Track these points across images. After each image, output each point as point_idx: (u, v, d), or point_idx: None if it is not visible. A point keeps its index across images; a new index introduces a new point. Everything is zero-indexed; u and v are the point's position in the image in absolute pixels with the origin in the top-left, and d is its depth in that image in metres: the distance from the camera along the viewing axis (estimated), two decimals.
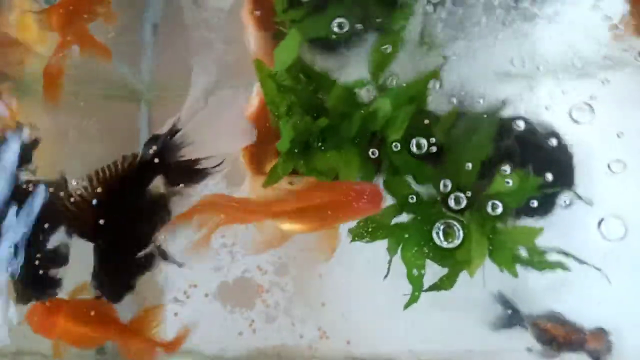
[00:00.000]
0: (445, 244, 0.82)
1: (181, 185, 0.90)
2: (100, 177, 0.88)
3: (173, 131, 0.90)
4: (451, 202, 0.84)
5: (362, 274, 0.91)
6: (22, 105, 1.02)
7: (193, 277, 0.95)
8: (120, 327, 0.87)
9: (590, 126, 0.85)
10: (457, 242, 0.82)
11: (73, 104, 1.05)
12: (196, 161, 0.90)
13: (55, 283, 0.92)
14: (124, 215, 0.90)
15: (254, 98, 0.94)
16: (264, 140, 0.91)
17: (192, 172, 0.90)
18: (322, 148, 0.85)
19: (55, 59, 0.91)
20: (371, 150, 0.86)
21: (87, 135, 1.04)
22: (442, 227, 0.83)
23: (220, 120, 0.95)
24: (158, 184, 0.90)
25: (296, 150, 0.84)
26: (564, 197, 0.84)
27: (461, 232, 0.82)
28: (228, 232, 0.94)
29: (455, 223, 0.83)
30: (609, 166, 0.84)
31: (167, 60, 1.11)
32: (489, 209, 0.82)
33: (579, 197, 0.83)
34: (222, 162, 0.90)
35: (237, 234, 0.95)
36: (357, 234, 0.85)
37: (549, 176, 0.83)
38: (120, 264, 0.90)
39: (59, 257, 0.93)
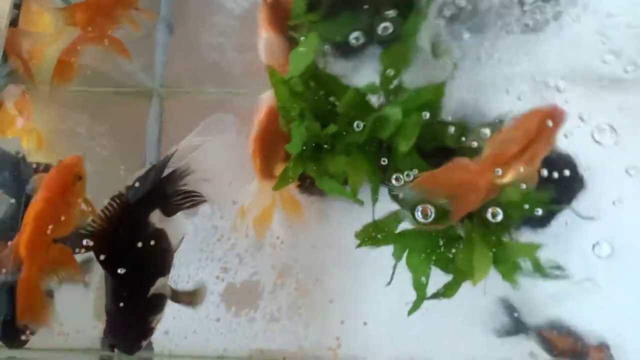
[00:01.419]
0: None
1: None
2: (101, 217, 0.84)
3: (162, 166, 0.89)
4: None
5: (366, 279, 0.91)
6: (33, 103, 1.04)
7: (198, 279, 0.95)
8: None
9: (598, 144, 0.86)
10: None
11: (83, 100, 1.06)
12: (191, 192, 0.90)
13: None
14: (128, 254, 0.85)
15: (264, 101, 0.95)
16: (273, 144, 0.92)
17: (187, 201, 0.90)
18: (332, 152, 0.86)
19: (72, 48, 0.93)
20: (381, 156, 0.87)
21: (97, 132, 1.05)
22: None
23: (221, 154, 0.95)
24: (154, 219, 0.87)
25: (307, 154, 0.85)
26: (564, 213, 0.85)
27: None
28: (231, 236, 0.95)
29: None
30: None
31: (179, 58, 1.13)
32: (491, 218, 0.83)
33: (580, 216, 0.84)
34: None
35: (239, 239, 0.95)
36: (363, 240, 0.86)
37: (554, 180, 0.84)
38: (132, 308, 0.85)
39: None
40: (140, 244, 0.84)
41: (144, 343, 0.86)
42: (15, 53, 0.99)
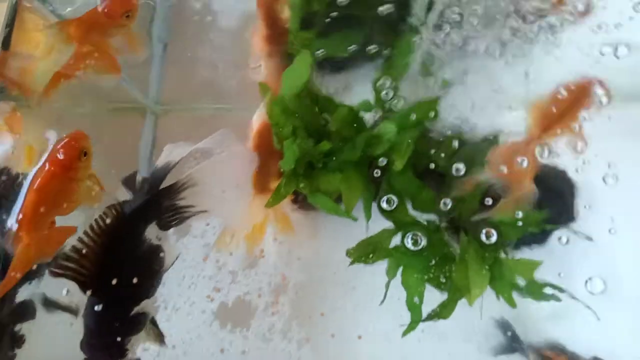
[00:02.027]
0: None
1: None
2: (94, 229, 0.81)
3: (158, 177, 0.87)
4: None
5: (361, 298, 0.90)
6: (26, 120, 1.03)
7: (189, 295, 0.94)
8: None
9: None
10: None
11: (77, 117, 1.05)
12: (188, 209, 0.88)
13: (18, 340, 0.89)
14: (118, 268, 0.83)
15: (258, 118, 0.95)
16: (267, 160, 0.92)
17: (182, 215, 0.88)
18: (325, 169, 0.85)
19: (68, 67, 0.93)
20: (374, 172, 0.87)
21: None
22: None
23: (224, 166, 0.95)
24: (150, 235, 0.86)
25: (300, 170, 0.85)
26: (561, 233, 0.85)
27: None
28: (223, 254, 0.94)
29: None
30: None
31: (173, 75, 1.13)
32: (485, 238, 0.83)
33: (578, 234, 0.84)
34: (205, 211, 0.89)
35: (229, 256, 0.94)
36: (356, 257, 0.85)
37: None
38: (114, 323, 0.82)
39: (27, 311, 0.90)
40: (132, 260, 0.83)
41: None
42: (5, 75, 0.99)
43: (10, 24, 1.05)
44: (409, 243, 0.83)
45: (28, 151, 0.97)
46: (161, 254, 0.85)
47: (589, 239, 0.83)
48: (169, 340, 0.91)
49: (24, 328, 0.92)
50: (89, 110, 1.05)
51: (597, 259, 0.83)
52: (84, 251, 0.79)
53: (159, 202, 0.86)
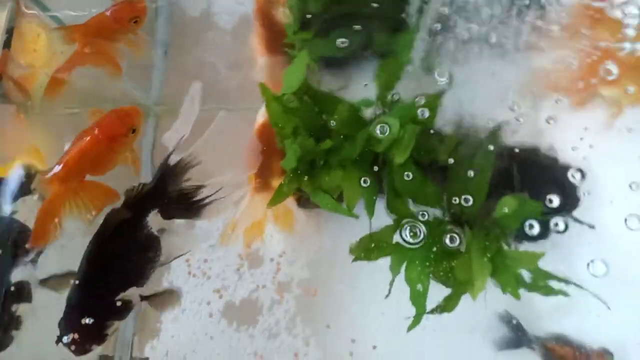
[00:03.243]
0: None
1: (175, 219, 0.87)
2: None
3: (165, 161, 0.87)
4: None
5: (365, 294, 0.90)
6: (28, 124, 1.04)
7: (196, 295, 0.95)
8: None
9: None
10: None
11: (80, 120, 1.06)
12: (195, 191, 0.87)
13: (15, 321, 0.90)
14: (114, 251, 0.82)
15: (260, 118, 0.96)
16: (269, 158, 0.92)
17: (189, 205, 0.87)
18: (327, 167, 0.86)
19: (67, 66, 0.94)
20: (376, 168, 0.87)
21: None
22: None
23: (225, 145, 0.95)
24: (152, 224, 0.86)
25: (301, 169, 0.85)
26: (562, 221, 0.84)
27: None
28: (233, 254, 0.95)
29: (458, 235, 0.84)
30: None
31: (175, 76, 1.13)
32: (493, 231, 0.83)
33: (580, 222, 0.84)
34: (220, 189, 0.88)
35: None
36: (358, 254, 0.86)
37: (552, 198, 0.84)
38: (95, 306, 0.80)
39: (23, 293, 0.92)
40: (128, 245, 0.82)
41: (93, 347, 0.79)
42: (8, 75, 0.99)
43: (9, 30, 1.06)
44: (407, 236, 0.83)
45: (33, 153, 0.98)
46: (158, 245, 0.84)
47: (591, 226, 0.83)
48: (177, 341, 0.92)
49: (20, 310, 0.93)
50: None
51: (598, 244, 0.83)
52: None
53: (164, 185, 0.86)
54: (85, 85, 1.05)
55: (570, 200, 0.85)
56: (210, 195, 0.88)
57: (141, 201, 0.83)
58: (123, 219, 0.82)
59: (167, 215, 0.86)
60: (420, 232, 0.84)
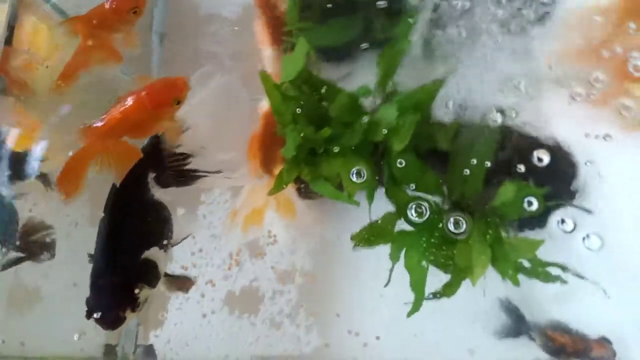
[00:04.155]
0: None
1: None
2: None
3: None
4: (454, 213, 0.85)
5: (367, 281, 0.91)
6: (29, 116, 1.05)
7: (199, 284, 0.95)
8: None
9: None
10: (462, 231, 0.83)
11: (79, 109, 1.07)
12: (186, 158, 0.88)
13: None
14: (128, 213, 0.83)
15: (262, 105, 0.96)
16: (272, 146, 0.93)
17: (180, 172, 0.88)
18: (327, 155, 0.86)
19: (75, 60, 0.95)
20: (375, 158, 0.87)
21: None
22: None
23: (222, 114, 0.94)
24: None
25: (301, 157, 0.86)
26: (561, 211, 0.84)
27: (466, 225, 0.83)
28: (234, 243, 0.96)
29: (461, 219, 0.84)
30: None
31: (175, 67, 1.14)
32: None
33: (578, 208, 0.84)
34: (219, 171, 0.89)
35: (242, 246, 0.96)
36: (359, 241, 0.86)
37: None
38: (120, 269, 0.79)
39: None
40: (140, 206, 0.83)
41: (128, 316, 0.77)
42: (6, 72, 1.01)
43: (12, 23, 1.07)
44: (413, 215, 0.83)
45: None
46: (167, 209, 0.85)
47: (589, 211, 0.83)
48: (180, 328, 0.93)
49: None
50: (89, 102, 1.06)
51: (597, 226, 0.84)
52: None
53: (157, 148, 0.86)
54: (88, 75, 1.06)
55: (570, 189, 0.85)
56: (208, 172, 0.89)
57: (140, 162, 0.84)
58: (126, 182, 0.82)
59: (164, 183, 0.86)
60: (425, 210, 0.84)
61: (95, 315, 0.77)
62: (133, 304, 0.77)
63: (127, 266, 0.79)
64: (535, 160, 0.86)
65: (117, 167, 0.84)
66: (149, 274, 0.80)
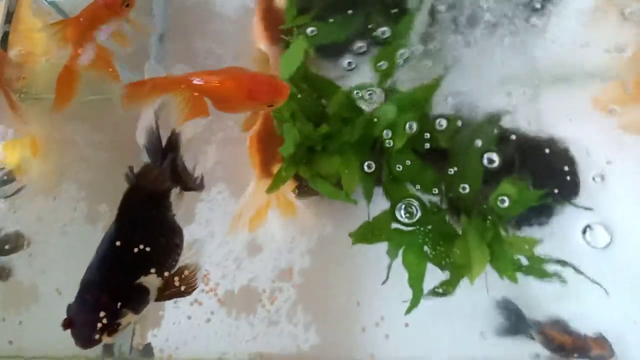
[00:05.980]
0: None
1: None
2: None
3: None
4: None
5: (366, 279, 0.91)
6: (29, 114, 1.05)
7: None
8: None
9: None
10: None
11: (79, 107, 1.06)
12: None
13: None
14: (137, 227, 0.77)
15: None
16: (271, 145, 0.93)
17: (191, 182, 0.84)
18: (325, 153, 0.86)
19: (68, 69, 0.93)
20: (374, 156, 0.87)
21: (93, 140, 1.05)
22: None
23: None
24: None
25: (300, 155, 0.85)
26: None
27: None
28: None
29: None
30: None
31: (174, 65, 1.13)
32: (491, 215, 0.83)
33: (577, 206, 0.84)
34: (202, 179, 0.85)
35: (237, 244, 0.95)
36: (357, 238, 0.86)
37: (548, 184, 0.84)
38: (110, 287, 0.72)
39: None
40: (155, 223, 0.77)
41: (101, 338, 0.70)
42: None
43: (7, 21, 1.07)
44: (402, 217, 0.83)
45: (31, 142, 0.99)
46: (182, 236, 0.79)
47: (589, 209, 0.83)
48: (177, 327, 0.92)
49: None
50: (89, 100, 1.06)
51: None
52: None
53: (175, 165, 0.81)
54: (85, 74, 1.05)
55: (570, 186, 0.85)
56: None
57: (163, 179, 0.79)
58: (146, 200, 0.78)
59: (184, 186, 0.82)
60: (416, 210, 0.83)
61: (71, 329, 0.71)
62: (113, 328, 0.71)
63: (120, 287, 0.73)
64: (534, 158, 0.86)
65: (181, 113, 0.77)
66: (139, 300, 0.74)
